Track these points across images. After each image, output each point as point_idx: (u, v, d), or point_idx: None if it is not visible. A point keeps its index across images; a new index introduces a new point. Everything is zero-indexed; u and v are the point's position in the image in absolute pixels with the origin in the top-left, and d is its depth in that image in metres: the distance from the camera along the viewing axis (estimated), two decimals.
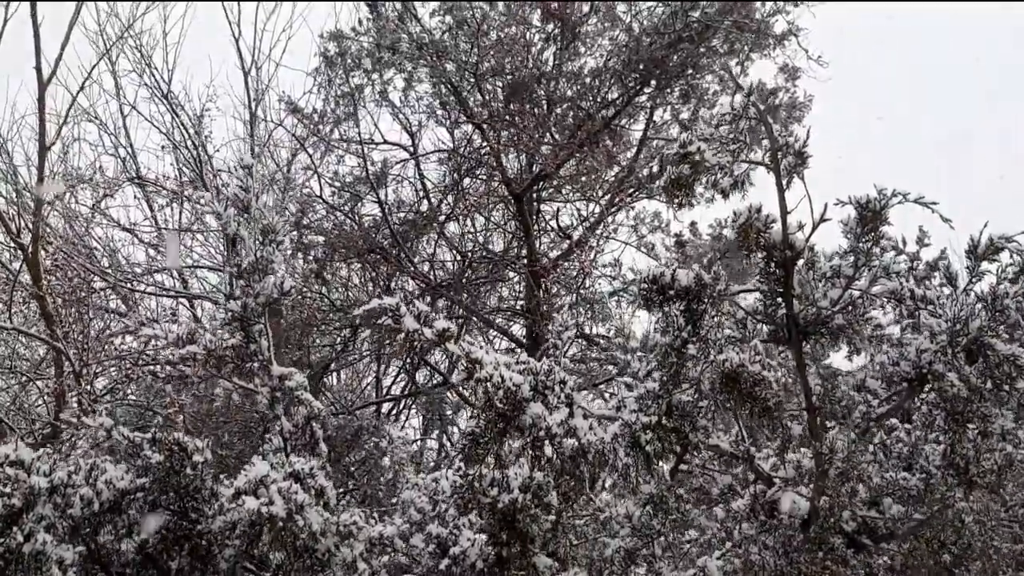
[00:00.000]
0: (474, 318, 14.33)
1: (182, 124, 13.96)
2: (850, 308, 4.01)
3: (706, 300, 3.99)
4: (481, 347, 3.93)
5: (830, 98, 12.96)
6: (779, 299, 4.06)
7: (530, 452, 3.90)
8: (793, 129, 13.40)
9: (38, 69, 10.02)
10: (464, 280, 14.01)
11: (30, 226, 11.20)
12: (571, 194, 14.58)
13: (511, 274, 14.74)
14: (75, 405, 10.51)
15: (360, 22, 13.04)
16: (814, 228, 3.97)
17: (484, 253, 14.44)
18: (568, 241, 14.12)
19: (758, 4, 12.29)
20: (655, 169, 14.08)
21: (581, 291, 14.02)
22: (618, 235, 14.69)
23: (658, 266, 4.05)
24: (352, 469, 10.50)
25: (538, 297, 13.40)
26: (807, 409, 4.12)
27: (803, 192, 3.87)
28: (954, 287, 4.04)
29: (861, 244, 3.95)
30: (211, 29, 14.94)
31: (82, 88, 11.97)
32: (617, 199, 13.89)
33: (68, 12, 11.02)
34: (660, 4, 12.34)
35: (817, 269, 4.07)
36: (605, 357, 13.95)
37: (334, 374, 15.91)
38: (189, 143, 13.96)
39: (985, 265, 3.98)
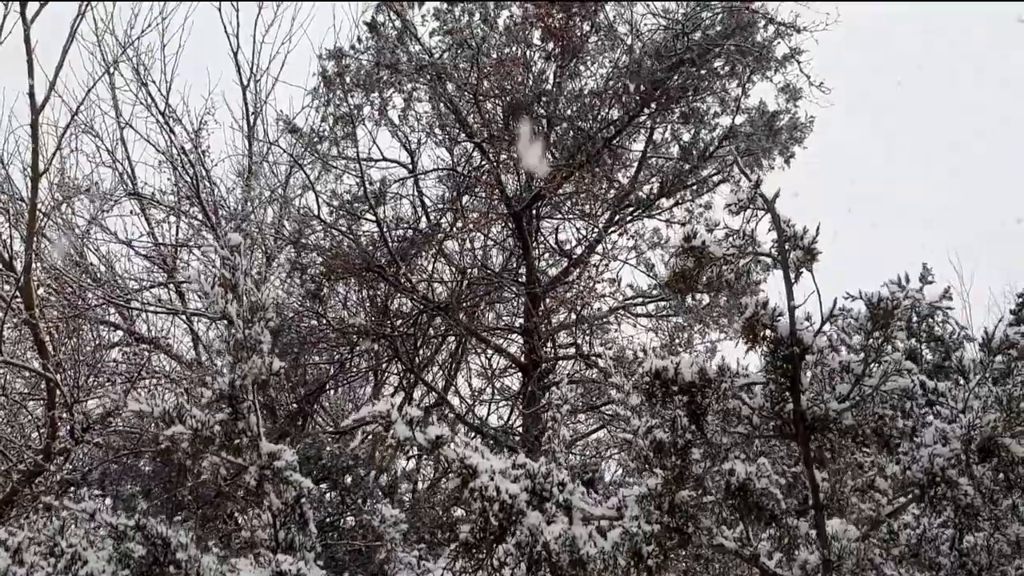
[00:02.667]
0: (472, 338, 14.19)
1: (179, 141, 13.84)
2: (860, 405, 3.87)
3: (710, 395, 3.86)
4: (476, 448, 3.80)
5: (832, 104, 12.72)
6: (786, 394, 3.92)
7: (526, 557, 3.75)
8: (794, 150, 13.24)
9: (31, 95, 9.78)
10: (462, 299, 13.85)
11: (23, 248, 11.04)
12: (570, 212, 14.44)
13: (508, 294, 14.59)
14: (67, 434, 10.38)
15: (360, 39, 12.87)
16: (823, 323, 3.84)
17: (483, 271, 14.29)
18: (567, 260, 13.99)
19: (760, 27, 12.13)
20: (655, 188, 13.97)
21: (581, 312, 13.87)
22: (617, 251, 14.52)
23: (661, 355, 3.90)
24: (346, 494, 10.45)
25: (537, 318, 13.27)
26: (814, 507, 3.99)
27: (812, 286, 3.73)
28: (967, 380, 3.91)
29: (871, 341, 3.82)
30: (210, 38, 14.80)
31: (78, 111, 11.83)
32: (616, 217, 13.76)
33: (66, 22, 10.81)
34: (661, 29, 12.18)
35: (826, 365, 3.93)
36: (604, 378, 13.79)
37: (331, 391, 15.77)
38: (186, 158, 13.85)
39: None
